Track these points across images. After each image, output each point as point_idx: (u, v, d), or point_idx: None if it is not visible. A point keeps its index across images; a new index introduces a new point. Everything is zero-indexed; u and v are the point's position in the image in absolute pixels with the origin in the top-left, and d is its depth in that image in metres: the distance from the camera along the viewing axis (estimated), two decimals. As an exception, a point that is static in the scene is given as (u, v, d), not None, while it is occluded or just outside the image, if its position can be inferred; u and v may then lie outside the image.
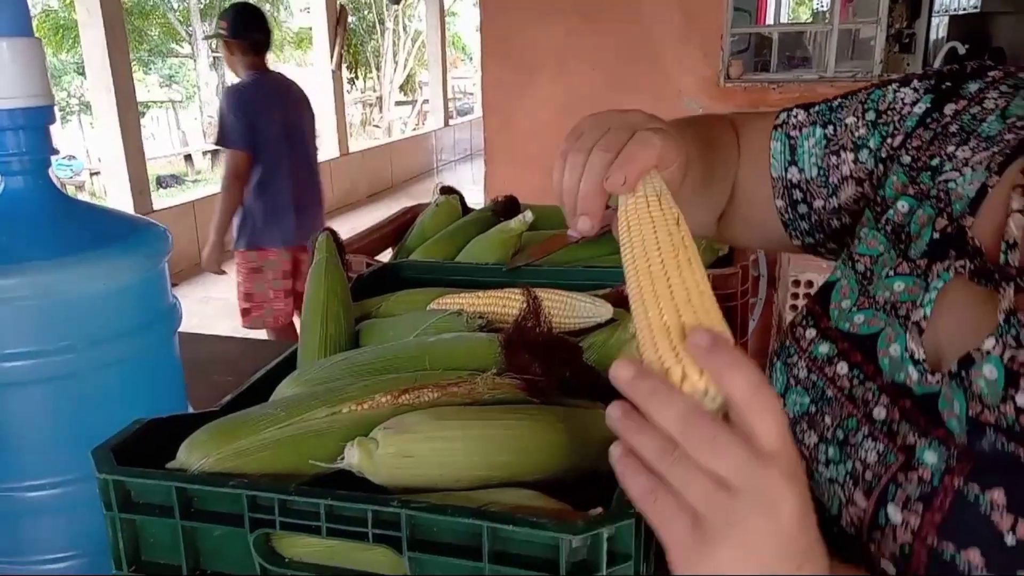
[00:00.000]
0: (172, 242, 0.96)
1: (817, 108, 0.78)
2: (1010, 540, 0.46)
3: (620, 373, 0.43)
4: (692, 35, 3.06)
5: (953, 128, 0.66)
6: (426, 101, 14.14)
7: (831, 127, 0.76)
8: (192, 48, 14.46)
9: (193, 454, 0.57)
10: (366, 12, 15.50)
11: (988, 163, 0.60)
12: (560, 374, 0.65)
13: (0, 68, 0.81)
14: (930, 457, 0.51)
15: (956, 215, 0.59)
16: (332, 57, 8.24)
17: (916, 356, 0.56)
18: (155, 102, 14.04)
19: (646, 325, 0.45)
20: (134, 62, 5.58)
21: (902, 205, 0.64)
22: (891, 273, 0.61)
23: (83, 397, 0.87)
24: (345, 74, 9.91)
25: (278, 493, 0.51)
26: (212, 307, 5.13)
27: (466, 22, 19.88)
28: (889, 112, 0.71)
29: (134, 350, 0.90)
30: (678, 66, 3.08)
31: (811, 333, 0.66)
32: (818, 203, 0.76)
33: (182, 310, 0.99)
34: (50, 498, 0.86)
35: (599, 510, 0.51)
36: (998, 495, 0.47)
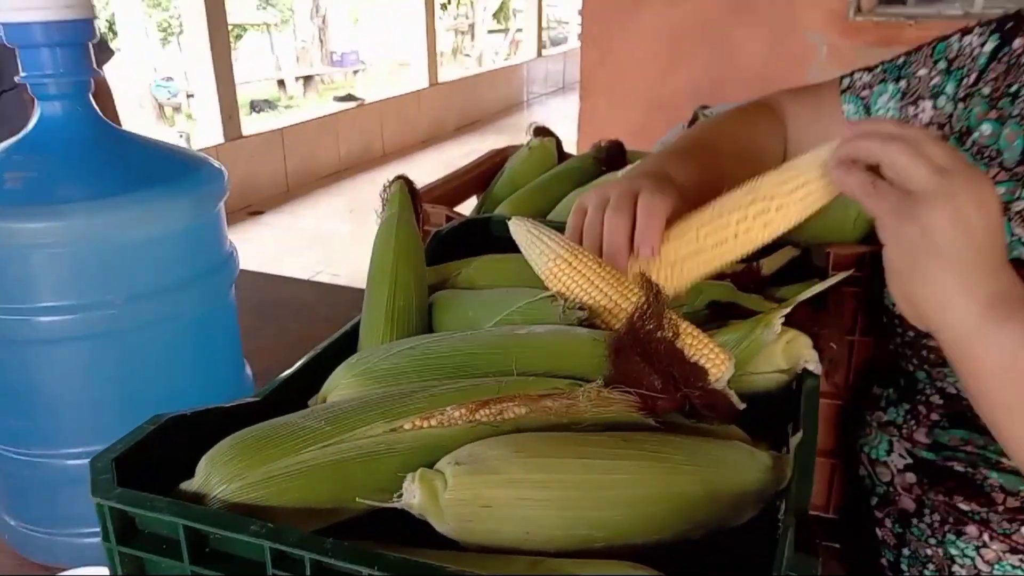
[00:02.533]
0: (229, 182, 0.85)
1: (882, 67, 0.86)
2: None
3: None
4: (819, -39, 2.73)
5: None
6: (519, 30, 13.74)
7: (903, 81, 0.83)
8: (289, -30, 14.38)
9: (214, 475, 0.44)
10: (460, -65, 15.05)
11: None
12: (682, 396, 0.50)
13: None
14: None
15: None
16: (425, -18, 8.01)
17: (1022, 238, 0.67)
18: (250, 24, 14.09)
19: None
20: (229, -18, 5.50)
21: (985, 128, 0.73)
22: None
23: (126, 358, 0.78)
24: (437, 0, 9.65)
25: (310, 551, 0.38)
26: (298, 237, 5.13)
27: (564, -53, 19.11)
28: (960, 58, 0.79)
29: (184, 305, 0.80)
30: (801, -4, 2.76)
31: None
32: None
33: (238, 257, 0.88)
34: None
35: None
36: None
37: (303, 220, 5.54)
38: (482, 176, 1.17)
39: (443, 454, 0.45)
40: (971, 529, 0.67)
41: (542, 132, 1.19)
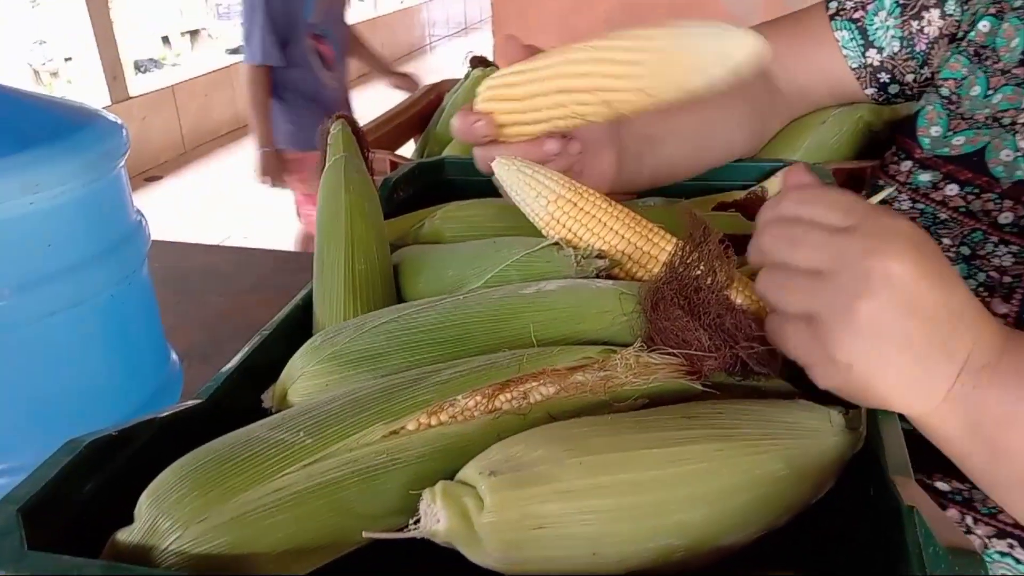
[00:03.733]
0: (129, 139, 0.72)
1: None
2: None
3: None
4: None
5: None
6: (414, -30, 13.22)
7: None
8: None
9: (163, 519, 0.33)
10: None
11: None
12: (734, 354, 0.41)
13: None
14: None
15: None
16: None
17: None
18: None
19: None
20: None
21: (983, 25, 0.63)
22: (989, 92, 0.62)
23: (23, 359, 0.66)
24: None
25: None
26: (201, 201, 4.82)
27: None
28: None
29: (89, 289, 0.68)
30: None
31: (907, 165, 0.67)
32: (909, 77, 0.71)
33: (148, 226, 0.75)
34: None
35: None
36: None
37: (205, 182, 5.21)
38: (419, 116, 1.04)
39: (462, 458, 0.35)
40: (952, 512, 0.59)
41: (480, 62, 1.07)
